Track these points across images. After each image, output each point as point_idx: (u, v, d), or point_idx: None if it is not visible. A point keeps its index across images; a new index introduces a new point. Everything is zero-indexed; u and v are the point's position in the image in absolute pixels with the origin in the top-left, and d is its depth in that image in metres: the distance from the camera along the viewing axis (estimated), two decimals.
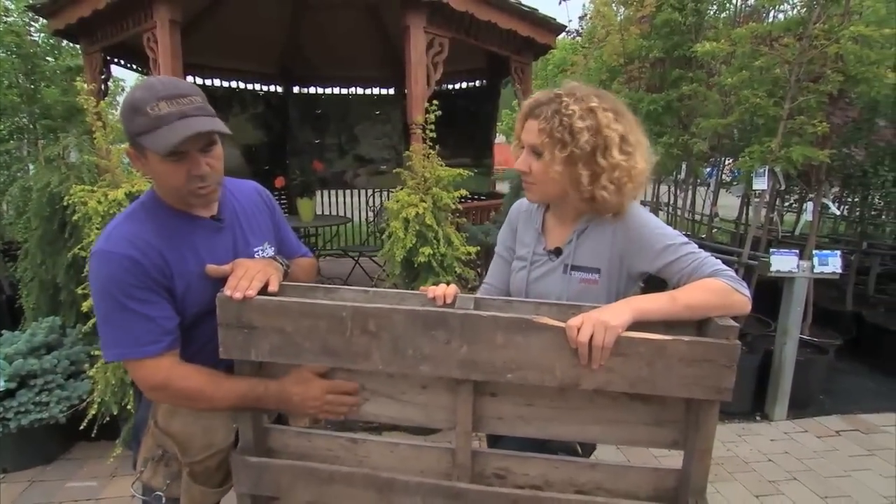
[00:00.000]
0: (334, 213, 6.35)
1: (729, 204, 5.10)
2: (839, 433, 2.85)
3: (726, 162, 4.50)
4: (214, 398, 1.02)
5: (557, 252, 1.21)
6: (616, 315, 0.92)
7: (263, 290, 1.02)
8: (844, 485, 2.39)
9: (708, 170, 4.89)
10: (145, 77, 2.46)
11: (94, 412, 2.22)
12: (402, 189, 2.69)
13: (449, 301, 1.09)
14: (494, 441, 1.29)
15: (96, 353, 2.32)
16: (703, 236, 4.35)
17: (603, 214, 1.14)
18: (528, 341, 0.93)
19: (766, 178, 2.83)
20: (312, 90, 5.80)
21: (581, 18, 6.13)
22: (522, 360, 0.94)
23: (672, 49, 3.86)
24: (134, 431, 1.19)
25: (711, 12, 4.05)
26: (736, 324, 0.92)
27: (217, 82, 5.17)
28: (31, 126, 4.28)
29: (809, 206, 3.30)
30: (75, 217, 2.34)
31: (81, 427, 2.27)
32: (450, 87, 5.26)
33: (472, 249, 2.68)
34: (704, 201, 4.82)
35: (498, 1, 3.21)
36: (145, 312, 0.98)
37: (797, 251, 2.85)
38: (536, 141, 1.11)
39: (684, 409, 0.98)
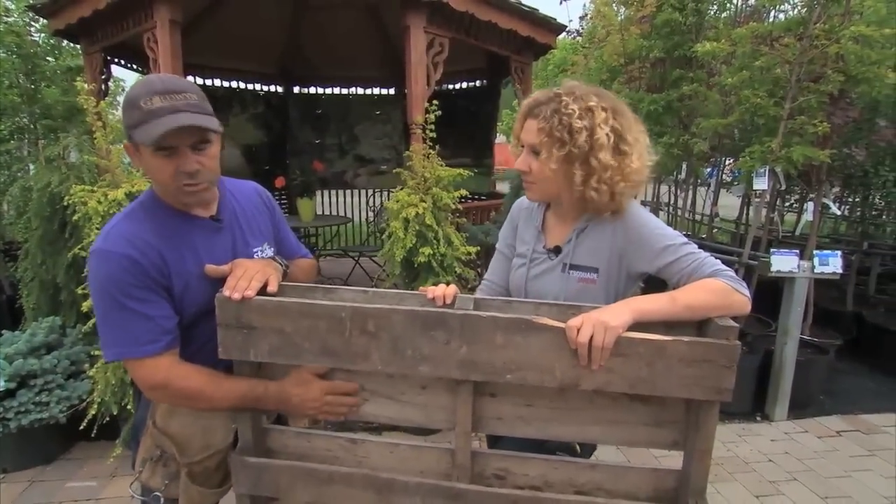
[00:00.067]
0: (334, 213, 6.35)
1: (729, 204, 5.09)
2: (840, 433, 2.85)
3: (727, 162, 4.50)
4: (214, 398, 1.02)
5: (557, 251, 1.21)
6: (616, 316, 0.92)
7: (263, 291, 1.02)
8: (845, 485, 2.38)
9: (708, 170, 4.89)
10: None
11: (94, 412, 2.22)
12: (402, 189, 2.69)
13: (448, 301, 1.09)
14: (494, 441, 1.29)
15: (96, 353, 2.32)
16: (704, 236, 4.35)
17: (600, 213, 1.14)
18: (528, 342, 0.92)
19: (766, 178, 2.83)
20: (313, 90, 5.80)
21: (581, 18, 6.15)
22: (522, 361, 0.93)
23: (672, 49, 3.85)
24: (133, 431, 1.19)
25: (712, 12, 4.05)
26: (736, 324, 0.92)
27: (217, 82, 5.16)
28: (32, 126, 4.28)
29: (810, 206, 3.29)
30: (75, 217, 2.34)
31: (81, 427, 2.27)
32: (450, 87, 5.26)
33: (473, 249, 2.68)
34: (705, 201, 4.81)
35: (498, 1, 3.20)
36: (144, 312, 0.98)
37: (798, 251, 2.85)
38: (535, 140, 1.11)
39: (684, 409, 0.98)
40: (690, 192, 4.57)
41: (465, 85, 5.26)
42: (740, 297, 1.00)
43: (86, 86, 2.36)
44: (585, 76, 5.11)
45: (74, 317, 2.62)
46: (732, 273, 1.04)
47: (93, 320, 2.24)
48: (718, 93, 3.55)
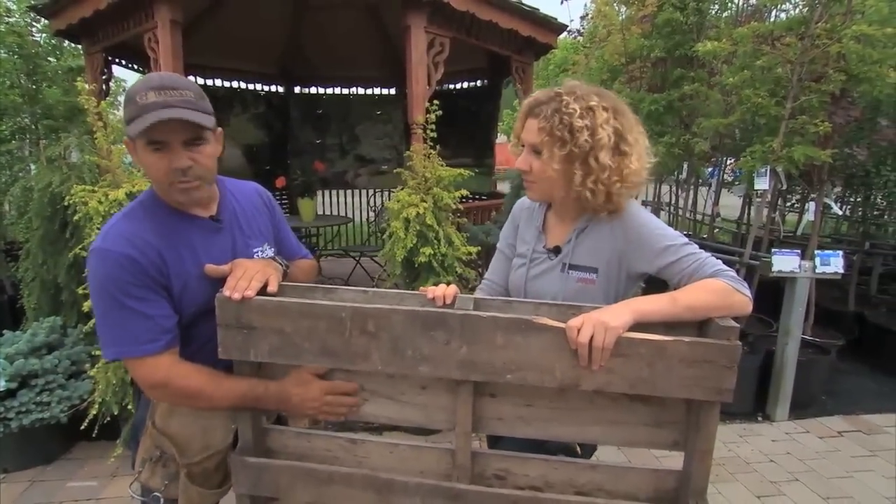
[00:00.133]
0: (335, 213, 6.35)
1: (731, 204, 5.08)
2: (841, 434, 2.84)
3: (728, 162, 4.49)
4: (214, 397, 1.02)
5: (557, 250, 1.20)
6: (616, 316, 0.92)
7: (263, 291, 1.02)
8: (846, 486, 2.38)
9: (709, 170, 4.88)
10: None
11: (94, 412, 2.22)
12: (402, 189, 2.69)
13: (448, 301, 1.08)
14: (494, 442, 1.29)
15: (97, 353, 2.32)
16: (705, 236, 4.34)
17: (598, 213, 1.13)
18: (528, 342, 0.92)
19: (767, 177, 2.83)
20: (313, 90, 5.80)
21: (582, 18, 6.15)
22: (522, 361, 0.93)
23: (673, 48, 3.85)
24: (132, 432, 1.19)
25: (713, 12, 4.05)
26: (737, 324, 0.92)
27: (218, 82, 5.17)
28: (33, 126, 4.28)
29: (811, 205, 3.29)
30: (76, 217, 2.34)
31: (82, 427, 2.27)
32: (451, 86, 5.26)
33: (473, 249, 2.68)
34: (706, 201, 4.81)
35: (499, 1, 3.20)
36: (143, 311, 0.98)
37: (799, 251, 2.84)
38: (536, 140, 1.11)
39: (685, 409, 0.98)
40: (691, 192, 4.56)
41: (465, 85, 5.26)
42: (741, 298, 0.99)
43: (86, 86, 2.36)
44: (586, 76, 5.10)
45: (75, 317, 2.62)
46: (734, 273, 1.04)
47: (94, 320, 2.23)
48: (719, 92, 3.54)
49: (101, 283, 0.98)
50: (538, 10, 3.55)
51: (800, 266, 2.78)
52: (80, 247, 2.32)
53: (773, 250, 2.84)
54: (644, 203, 5.03)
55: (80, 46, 3.84)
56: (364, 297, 1.09)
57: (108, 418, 2.26)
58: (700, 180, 4.76)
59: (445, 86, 5.11)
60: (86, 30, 3.33)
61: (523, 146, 1.16)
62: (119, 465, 2.33)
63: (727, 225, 5.38)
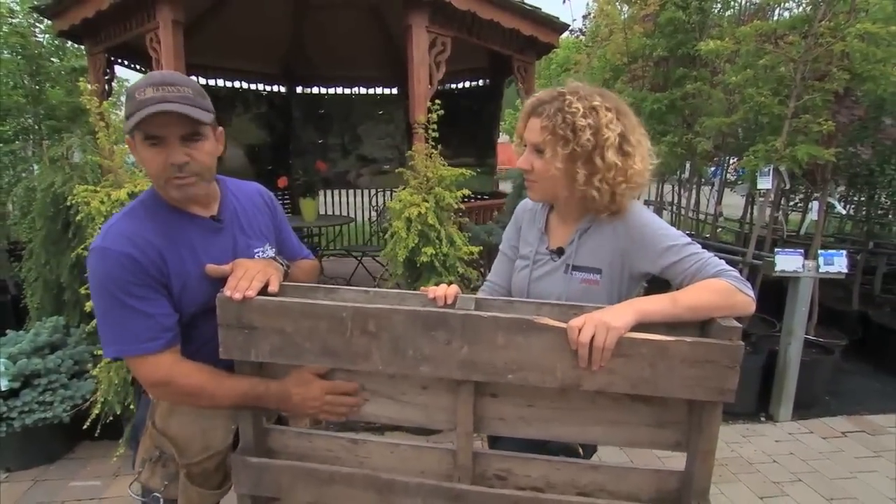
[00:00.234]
0: (337, 212, 6.36)
1: (733, 203, 5.07)
2: (845, 434, 2.83)
3: (731, 161, 4.48)
4: (216, 396, 1.02)
5: (560, 252, 1.20)
6: (618, 316, 0.91)
7: (264, 291, 1.02)
8: (850, 486, 2.37)
9: (712, 169, 4.87)
10: None
11: (97, 412, 2.23)
12: (404, 189, 2.69)
13: (450, 301, 1.08)
14: (493, 441, 1.29)
15: (100, 352, 2.31)
16: (708, 236, 4.33)
17: (599, 214, 1.13)
18: (529, 342, 0.92)
19: (770, 177, 2.82)
20: (315, 90, 5.81)
21: (584, 17, 6.14)
22: (523, 361, 0.93)
23: (676, 47, 3.84)
24: (133, 431, 1.20)
25: (716, 10, 4.04)
26: (739, 324, 0.91)
27: (220, 82, 5.18)
28: (36, 126, 4.30)
29: (815, 205, 3.27)
30: (78, 217, 2.35)
31: (85, 426, 2.28)
32: (452, 86, 5.26)
33: (475, 249, 2.67)
34: (708, 200, 4.79)
35: (501, 0, 3.20)
36: (144, 309, 0.98)
37: (802, 251, 2.83)
38: (539, 139, 1.10)
39: (687, 410, 0.97)
40: (694, 192, 4.55)
41: (467, 84, 5.25)
42: (744, 298, 0.99)
43: (89, 86, 2.36)
44: (588, 75, 5.10)
45: (78, 316, 2.63)
46: (736, 273, 1.03)
47: (96, 320, 2.24)
48: (722, 91, 3.53)
49: (101, 282, 0.98)
50: (540, 9, 3.55)
51: (803, 266, 2.77)
52: (82, 247, 2.33)
53: (776, 250, 2.83)
54: (647, 202, 5.02)
55: (82, 47, 3.85)
56: (365, 297, 1.09)
57: (111, 418, 2.26)
58: (703, 179, 4.75)
59: (447, 85, 5.11)
60: (88, 30, 3.34)
61: (525, 146, 1.15)
62: (121, 464, 2.34)
63: (730, 224, 5.36)
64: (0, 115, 4.06)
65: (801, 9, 3.32)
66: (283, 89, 5.71)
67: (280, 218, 1.30)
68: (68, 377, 2.43)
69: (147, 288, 0.99)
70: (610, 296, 1.13)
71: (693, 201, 4.59)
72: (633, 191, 1.11)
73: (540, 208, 1.28)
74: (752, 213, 4.61)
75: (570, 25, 4.44)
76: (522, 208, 1.34)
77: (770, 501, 2.27)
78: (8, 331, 2.59)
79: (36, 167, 3.97)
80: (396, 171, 3.07)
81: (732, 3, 4.11)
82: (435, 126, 2.66)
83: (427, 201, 2.57)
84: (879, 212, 4.55)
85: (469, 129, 5.04)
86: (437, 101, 2.70)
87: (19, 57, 4.09)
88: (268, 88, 5.59)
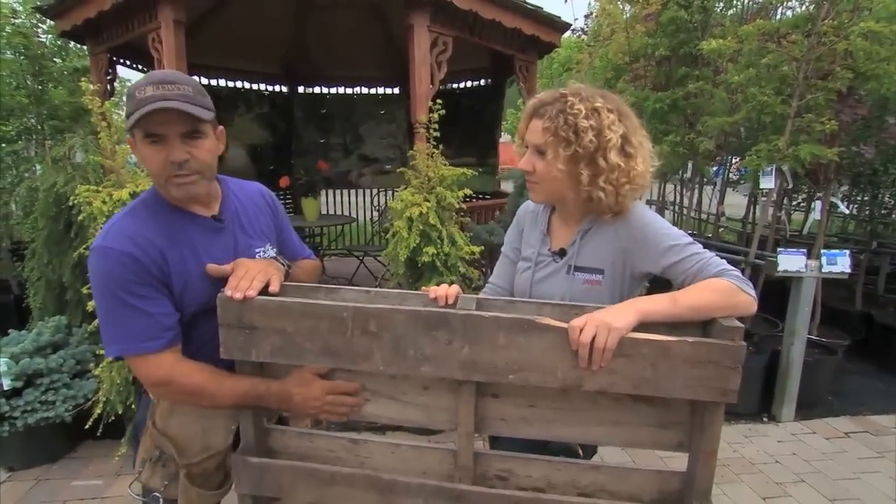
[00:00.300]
0: (339, 212, 6.35)
1: (736, 203, 5.05)
2: (848, 435, 2.82)
3: (733, 160, 4.46)
4: (217, 395, 1.02)
5: (562, 253, 1.20)
6: (620, 316, 0.91)
7: (264, 291, 1.02)
8: (853, 487, 2.36)
9: (714, 168, 4.85)
10: None
11: (99, 411, 2.23)
12: (406, 188, 2.69)
13: (451, 301, 1.08)
14: (492, 441, 1.29)
15: (102, 352, 2.30)
16: (710, 235, 4.32)
17: (602, 215, 1.13)
18: (531, 342, 0.92)
19: (773, 176, 2.81)
20: (317, 90, 5.81)
21: (586, 16, 6.12)
22: (524, 361, 0.93)
23: (678, 47, 3.83)
24: (134, 431, 1.20)
25: (718, 9, 4.02)
26: (741, 325, 0.91)
27: (222, 82, 5.18)
28: (39, 127, 4.31)
29: (818, 204, 3.26)
30: (80, 217, 2.35)
31: (87, 426, 2.28)
32: (454, 86, 5.25)
33: (476, 249, 2.67)
34: (711, 200, 4.77)
35: None
36: (145, 308, 0.98)
37: (805, 250, 2.82)
38: (540, 140, 1.10)
39: (689, 410, 0.97)
40: (696, 191, 4.54)
41: (469, 84, 5.25)
42: (746, 297, 0.98)
43: (91, 86, 2.37)
44: (590, 74, 5.09)
45: (80, 316, 2.64)
46: (738, 273, 1.03)
47: (98, 320, 2.25)
48: (725, 91, 3.52)
49: (102, 281, 0.98)
50: (541, 8, 3.54)
51: (806, 265, 2.76)
52: (84, 246, 2.33)
53: (778, 249, 2.82)
54: (648, 202, 5.01)
55: (85, 47, 3.86)
56: (366, 296, 1.09)
57: (113, 417, 2.27)
58: (705, 179, 4.73)
59: (449, 85, 5.11)
60: (90, 30, 3.35)
61: (527, 147, 1.15)
62: (124, 463, 2.34)
63: (732, 224, 5.35)
64: (3, 115, 4.06)
65: (804, 7, 3.31)
66: (284, 89, 5.71)
67: (281, 218, 1.30)
68: (70, 377, 2.44)
69: (148, 287, 0.99)
70: (612, 296, 1.13)
71: (695, 201, 4.58)
72: (635, 192, 1.11)
73: (542, 210, 1.28)
74: (754, 213, 4.60)
75: (571, 25, 4.44)
76: (524, 210, 1.34)
77: (773, 502, 2.26)
78: (11, 330, 2.60)
79: (38, 167, 3.97)
80: (398, 170, 3.07)
81: (735, 2, 4.09)
82: (436, 126, 2.66)
83: (428, 201, 2.57)
84: (883, 211, 4.53)
85: (471, 128, 5.04)
86: (439, 101, 2.70)
87: (22, 57, 4.09)
88: (270, 88, 5.60)
